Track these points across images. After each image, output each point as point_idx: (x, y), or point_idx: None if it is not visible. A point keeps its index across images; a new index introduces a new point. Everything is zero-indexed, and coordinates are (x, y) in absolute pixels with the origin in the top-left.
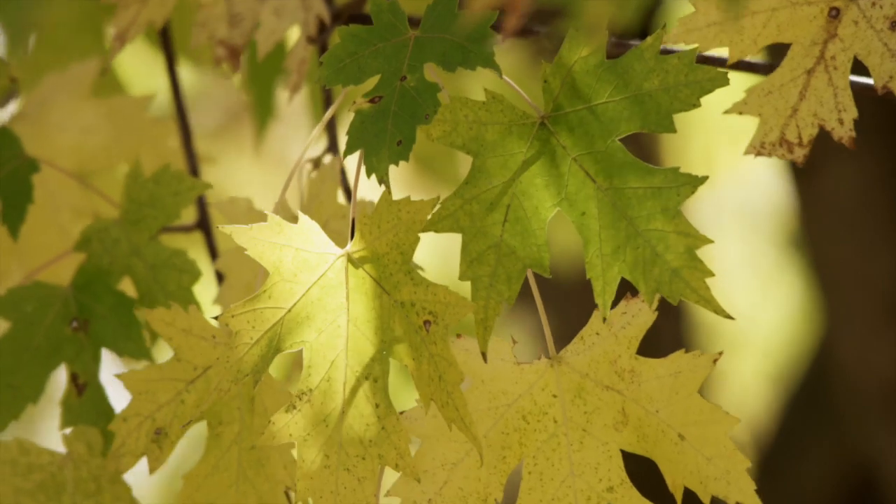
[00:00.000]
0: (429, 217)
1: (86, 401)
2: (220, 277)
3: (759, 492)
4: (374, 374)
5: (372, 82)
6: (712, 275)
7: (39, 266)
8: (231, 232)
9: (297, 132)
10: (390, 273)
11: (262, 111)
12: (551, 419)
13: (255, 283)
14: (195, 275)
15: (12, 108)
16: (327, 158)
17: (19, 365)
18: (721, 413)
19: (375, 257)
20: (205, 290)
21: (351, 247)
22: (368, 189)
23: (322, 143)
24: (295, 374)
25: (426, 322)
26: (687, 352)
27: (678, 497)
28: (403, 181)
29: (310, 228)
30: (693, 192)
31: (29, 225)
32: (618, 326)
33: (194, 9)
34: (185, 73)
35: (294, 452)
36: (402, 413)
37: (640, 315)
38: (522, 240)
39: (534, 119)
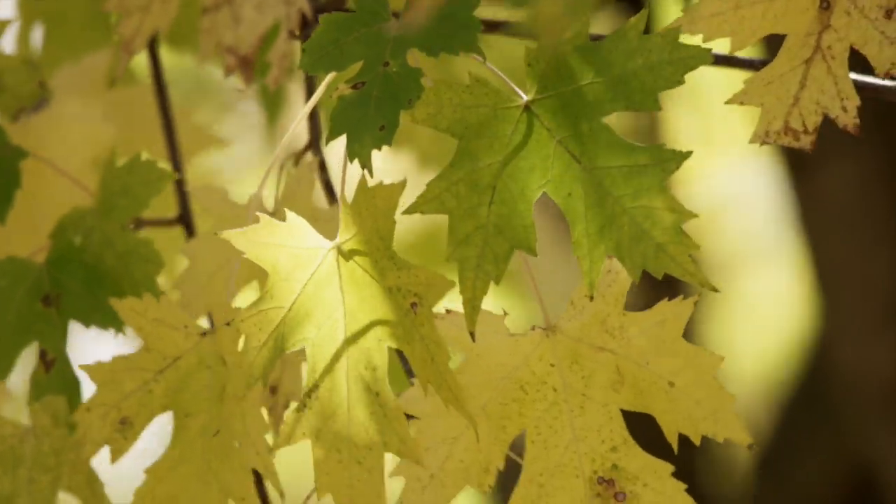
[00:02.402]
0: (409, 201)
1: (53, 376)
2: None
3: (759, 492)
4: (373, 362)
5: (355, 69)
6: (697, 248)
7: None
8: (228, 237)
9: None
10: (376, 260)
11: (273, 100)
12: (550, 388)
13: (220, 272)
14: (159, 265)
15: (41, 112)
16: (308, 155)
17: None
18: (705, 353)
19: (361, 246)
20: None
21: (338, 238)
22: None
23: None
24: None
25: (413, 304)
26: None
27: (674, 445)
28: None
29: (299, 225)
30: (678, 167)
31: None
32: (604, 286)
33: (198, 12)
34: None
35: (268, 437)
36: (399, 395)
37: (622, 272)
38: (509, 221)
39: (519, 102)
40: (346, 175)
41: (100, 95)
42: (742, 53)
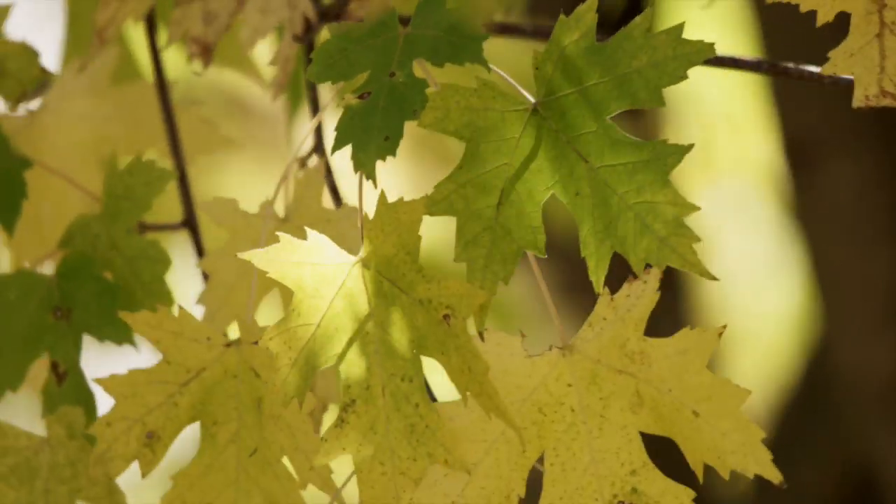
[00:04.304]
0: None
1: (66, 389)
2: (206, 278)
3: (759, 492)
4: (408, 374)
5: (361, 79)
6: (699, 240)
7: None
8: (249, 258)
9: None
10: (403, 273)
11: (293, 98)
12: (568, 409)
13: (240, 283)
14: (167, 263)
15: (42, 99)
16: (313, 160)
17: (0, 352)
18: (732, 386)
19: (386, 260)
20: (193, 289)
21: (362, 253)
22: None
23: (309, 143)
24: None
25: (445, 316)
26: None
27: (699, 474)
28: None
29: (321, 242)
30: (680, 161)
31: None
32: (623, 309)
33: (171, 6)
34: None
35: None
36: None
37: (643, 296)
38: (517, 222)
39: (527, 105)
40: (348, 183)
41: (106, 93)
42: (740, 53)
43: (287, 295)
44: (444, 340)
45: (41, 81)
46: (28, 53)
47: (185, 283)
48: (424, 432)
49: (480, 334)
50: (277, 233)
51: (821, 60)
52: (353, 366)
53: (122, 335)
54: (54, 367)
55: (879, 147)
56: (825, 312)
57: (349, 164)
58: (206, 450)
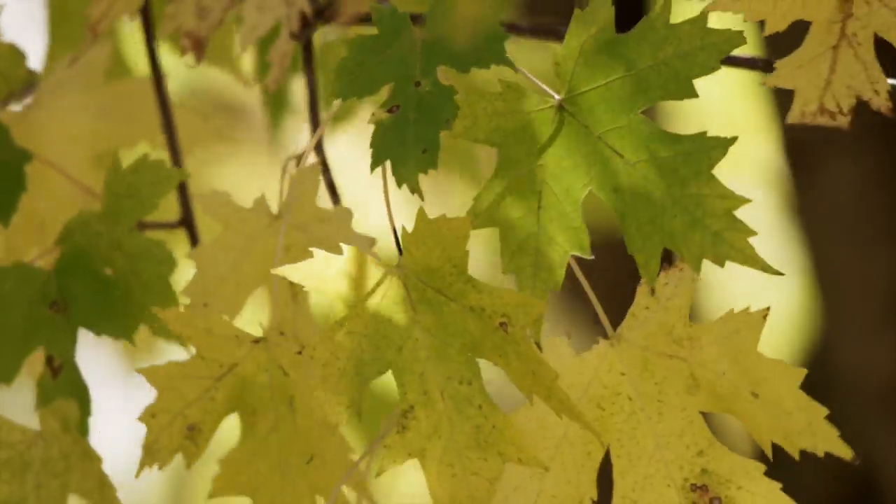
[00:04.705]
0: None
1: (61, 383)
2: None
3: None
4: (465, 377)
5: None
6: (755, 234)
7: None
8: (285, 273)
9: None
10: (450, 283)
11: (276, 104)
12: (625, 398)
13: (230, 276)
14: (171, 265)
15: (30, 98)
16: (311, 157)
17: None
18: (786, 367)
19: (429, 271)
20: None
21: (402, 262)
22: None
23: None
24: None
25: (502, 324)
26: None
27: (768, 451)
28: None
29: (355, 254)
30: (724, 154)
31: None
32: (664, 298)
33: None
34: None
35: (353, 457)
36: None
37: (683, 283)
38: (559, 224)
39: (552, 103)
40: (337, 183)
41: (100, 89)
42: (742, 52)
43: (284, 293)
44: (501, 345)
45: (28, 82)
46: (15, 54)
47: (181, 281)
48: (492, 432)
49: (538, 345)
50: (310, 248)
51: None
52: (407, 372)
53: (119, 330)
54: (49, 361)
55: (879, 147)
56: (825, 312)
57: (347, 163)
58: (249, 438)
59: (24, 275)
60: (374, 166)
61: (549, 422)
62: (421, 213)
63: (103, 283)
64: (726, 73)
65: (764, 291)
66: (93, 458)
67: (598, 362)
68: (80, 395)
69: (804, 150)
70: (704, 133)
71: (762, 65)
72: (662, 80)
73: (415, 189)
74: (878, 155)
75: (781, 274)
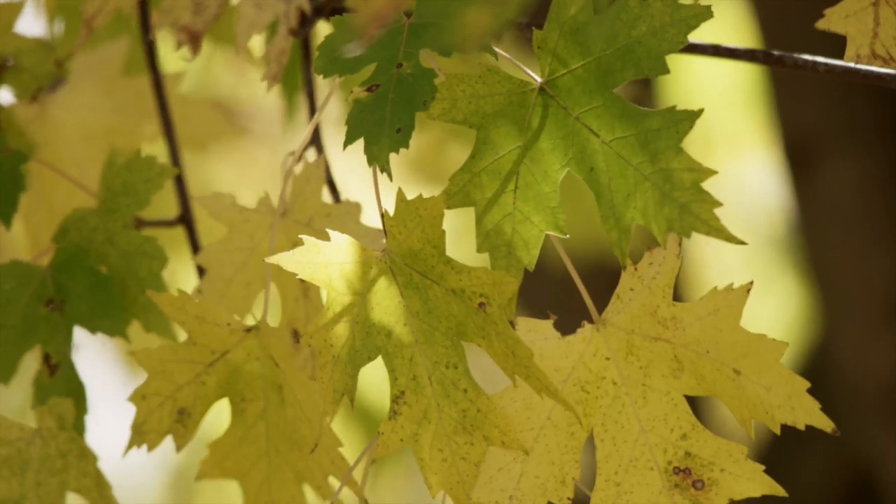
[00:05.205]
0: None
1: (57, 380)
2: (201, 272)
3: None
4: (452, 360)
5: (367, 71)
6: (720, 205)
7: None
8: (277, 261)
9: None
10: (432, 266)
11: (289, 92)
12: (610, 382)
13: (237, 277)
14: (163, 261)
15: (60, 92)
16: (311, 154)
17: None
18: (768, 341)
19: (413, 253)
20: (188, 284)
21: (387, 247)
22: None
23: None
24: None
25: (481, 304)
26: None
27: (749, 430)
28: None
29: (343, 240)
30: (692, 127)
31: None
32: (649, 278)
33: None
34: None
35: (340, 450)
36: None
37: (666, 262)
38: (535, 205)
39: (533, 86)
40: (345, 182)
41: (116, 84)
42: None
43: (288, 290)
44: (483, 327)
45: (56, 77)
46: (42, 49)
47: (181, 278)
48: (477, 416)
49: (511, 323)
50: (301, 235)
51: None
52: (397, 357)
53: (115, 327)
54: (46, 359)
55: (879, 147)
56: (824, 313)
57: (346, 162)
58: (238, 424)
59: (21, 273)
60: (346, 143)
61: (534, 403)
62: (400, 195)
63: (99, 280)
64: (727, 74)
65: (763, 292)
66: (89, 457)
67: (583, 346)
68: (77, 393)
69: (804, 150)
70: (673, 107)
71: (762, 57)
72: (636, 58)
73: (384, 169)
74: (877, 155)
75: (745, 243)
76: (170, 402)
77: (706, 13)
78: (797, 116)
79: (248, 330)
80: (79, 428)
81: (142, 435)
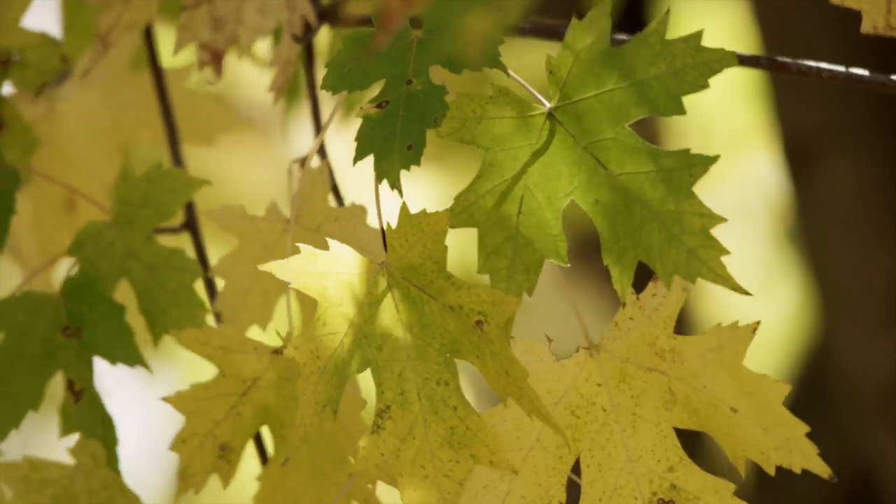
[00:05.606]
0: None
1: (83, 407)
2: (209, 284)
3: (758, 491)
4: (443, 377)
5: (377, 87)
6: (728, 252)
7: (34, 270)
8: (270, 269)
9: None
10: (430, 280)
11: (290, 99)
12: (600, 408)
13: (255, 288)
14: (195, 273)
15: (66, 88)
16: (315, 161)
17: (14, 374)
18: (770, 381)
19: (413, 268)
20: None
21: (386, 260)
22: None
23: (309, 143)
24: None
25: (478, 322)
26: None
27: (741, 469)
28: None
29: (342, 251)
30: (705, 172)
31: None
32: (650, 309)
33: (178, 10)
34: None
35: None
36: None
37: (671, 295)
38: (538, 231)
39: (542, 110)
40: (343, 187)
41: (124, 81)
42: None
43: (306, 299)
44: (478, 345)
45: (61, 72)
46: (48, 44)
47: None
48: (466, 434)
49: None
50: (298, 244)
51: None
52: (386, 371)
53: (133, 357)
54: (70, 385)
55: (879, 147)
56: (824, 313)
57: (347, 165)
58: (281, 451)
59: (34, 303)
60: (356, 160)
61: (524, 423)
62: (404, 209)
63: (112, 308)
64: (727, 72)
65: (763, 293)
66: (128, 495)
67: (576, 371)
68: (103, 420)
69: (804, 150)
70: (688, 150)
71: (766, 63)
72: (652, 95)
73: (395, 185)
74: (877, 155)
75: (750, 294)
76: (210, 440)
77: (730, 59)
78: (797, 116)
79: (276, 351)
80: (112, 462)
81: (187, 479)
